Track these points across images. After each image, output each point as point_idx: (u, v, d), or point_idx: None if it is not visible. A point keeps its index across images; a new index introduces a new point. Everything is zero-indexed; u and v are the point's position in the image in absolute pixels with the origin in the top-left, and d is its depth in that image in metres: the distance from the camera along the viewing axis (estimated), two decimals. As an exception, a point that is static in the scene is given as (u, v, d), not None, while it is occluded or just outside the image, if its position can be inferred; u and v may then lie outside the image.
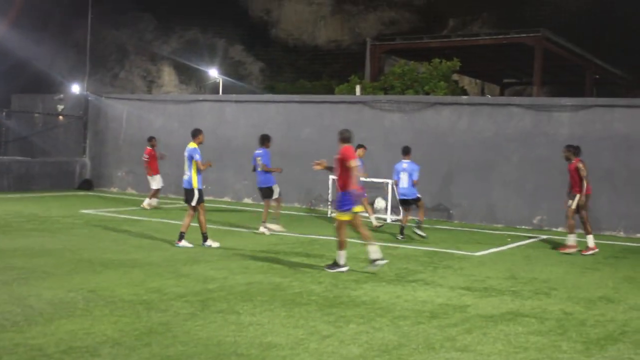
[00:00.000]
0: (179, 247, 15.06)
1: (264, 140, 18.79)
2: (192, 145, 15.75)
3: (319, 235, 17.74)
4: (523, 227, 21.26)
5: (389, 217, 22.04)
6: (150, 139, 23.63)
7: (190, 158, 15.60)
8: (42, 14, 50.68)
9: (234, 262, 13.31)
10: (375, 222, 19.93)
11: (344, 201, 12.89)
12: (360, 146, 19.54)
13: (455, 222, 22.47)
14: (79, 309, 9.30)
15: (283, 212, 21.08)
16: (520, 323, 9.48)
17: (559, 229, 20.65)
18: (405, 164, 18.39)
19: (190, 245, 15.06)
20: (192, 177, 15.47)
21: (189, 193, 15.53)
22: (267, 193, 18.31)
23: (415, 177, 18.08)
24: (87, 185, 29.60)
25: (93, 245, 14.88)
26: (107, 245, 14.94)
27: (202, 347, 7.79)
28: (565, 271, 13.74)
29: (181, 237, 15.28)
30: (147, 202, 22.93)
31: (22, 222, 18.07)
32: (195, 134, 15.98)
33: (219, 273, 12.14)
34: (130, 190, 29.01)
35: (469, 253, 15.79)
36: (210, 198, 26.71)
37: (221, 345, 7.87)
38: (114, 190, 29.35)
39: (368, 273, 12.64)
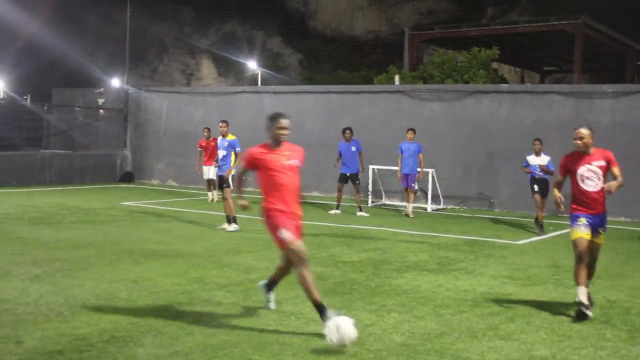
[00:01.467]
0: (230, 231, 16.03)
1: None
2: (233, 137, 16.70)
3: (361, 225, 17.71)
4: (566, 215, 21.05)
5: (429, 207, 22.00)
6: (206, 130, 23.57)
7: (232, 148, 16.64)
8: (80, 8, 51.10)
9: (276, 253, 13.24)
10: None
11: None
12: (409, 129, 20.69)
13: (497, 210, 22.33)
14: (122, 299, 9.38)
15: (323, 202, 21.12)
16: (563, 312, 9.41)
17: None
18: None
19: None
20: (230, 165, 16.49)
21: (221, 179, 16.72)
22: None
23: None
24: (128, 177, 29.83)
25: (135, 236, 14.99)
26: (149, 236, 15.05)
27: (244, 336, 7.82)
28: (609, 259, 13.59)
29: (229, 220, 16.37)
30: (211, 195, 23.17)
31: (65, 214, 18.25)
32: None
33: (260, 263, 12.17)
34: (170, 182, 29.19)
35: (511, 242, 15.69)
36: (250, 189, 26.81)
37: (263, 334, 7.90)
38: (155, 182, 29.55)
39: (409, 263, 12.61)
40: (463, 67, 30.32)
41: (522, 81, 49.87)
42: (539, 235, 16.76)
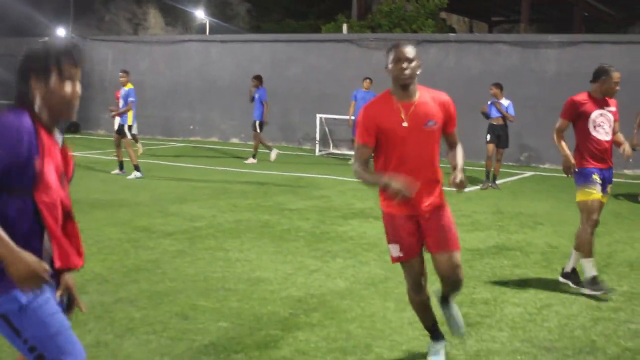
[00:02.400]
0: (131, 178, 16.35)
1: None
2: (130, 86, 17.44)
3: (306, 174, 17.75)
4: (510, 163, 21.33)
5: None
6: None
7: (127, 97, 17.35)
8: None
9: (222, 201, 13.35)
10: None
11: None
12: (366, 78, 20.67)
13: (444, 159, 22.48)
14: (67, 247, 9.32)
15: (263, 150, 21.09)
16: (505, 256, 9.58)
17: (545, 166, 20.77)
18: None
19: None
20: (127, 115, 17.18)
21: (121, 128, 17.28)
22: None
23: None
24: (74, 128, 29.47)
25: (80, 186, 14.82)
26: (94, 186, 14.95)
27: (190, 282, 7.86)
28: (552, 206, 13.82)
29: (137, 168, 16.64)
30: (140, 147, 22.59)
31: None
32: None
33: (207, 212, 12.18)
34: (117, 133, 28.94)
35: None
36: (198, 138, 26.72)
37: (209, 280, 7.94)
38: (101, 132, 29.25)
39: (356, 210, 12.71)
40: (411, 16, 30.27)
41: (471, 31, 50.02)
42: (486, 186, 16.25)
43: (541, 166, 20.99)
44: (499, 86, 16.47)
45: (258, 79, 20.64)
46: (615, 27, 44.78)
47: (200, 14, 52.14)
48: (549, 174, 18.94)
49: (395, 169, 5.34)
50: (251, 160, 20.18)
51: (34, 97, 3.50)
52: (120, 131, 17.08)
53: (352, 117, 20.38)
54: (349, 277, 8.25)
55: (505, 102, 16.30)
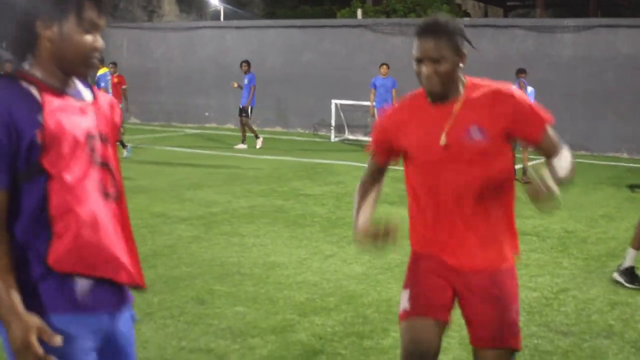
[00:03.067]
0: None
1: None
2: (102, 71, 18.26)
3: (321, 160, 17.74)
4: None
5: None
6: (112, 66, 20.23)
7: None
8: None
9: (237, 187, 13.36)
10: None
11: None
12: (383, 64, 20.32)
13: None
14: (84, 233, 9.36)
15: (285, 137, 21.17)
16: (522, 241, 9.39)
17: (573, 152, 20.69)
18: None
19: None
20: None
21: None
22: None
23: None
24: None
25: (96, 172, 14.93)
26: (111, 172, 14.97)
27: (206, 267, 7.88)
28: (569, 191, 13.71)
29: None
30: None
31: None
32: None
33: (222, 197, 12.20)
34: (133, 119, 28.94)
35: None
36: (213, 125, 26.73)
37: (225, 265, 7.96)
38: (116, 118, 29.28)
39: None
40: (426, 1, 30.17)
41: (486, 16, 49.81)
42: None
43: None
44: (524, 72, 15.88)
45: (247, 64, 20.73)
46: (632, 11, 44.41)
47: (214, 1, 52.11)
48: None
49: (425, 209, 3.86)
50: (241, 146, 20.19)
51: (38, 48, 2.70)
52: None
53: (374, 104, 20.24)
54: (365, 262, 8.24)
55: (529, 89, 15.93)
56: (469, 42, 3.72)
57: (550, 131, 3.62)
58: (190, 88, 27.47)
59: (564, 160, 3.63)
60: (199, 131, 25.22)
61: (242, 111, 20.42)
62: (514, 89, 3.63)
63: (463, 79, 3.70)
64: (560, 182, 3.55)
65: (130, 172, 14.98)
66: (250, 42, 26.48)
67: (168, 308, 6.54)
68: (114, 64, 19.51)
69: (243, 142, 20.26)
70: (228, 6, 51.45)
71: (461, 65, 3.66)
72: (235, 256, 8.37)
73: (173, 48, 28.08)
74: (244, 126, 20.46)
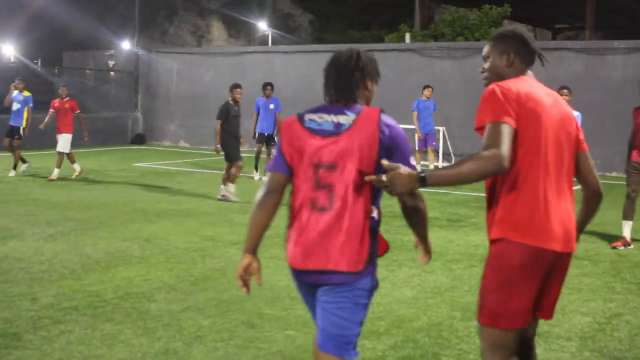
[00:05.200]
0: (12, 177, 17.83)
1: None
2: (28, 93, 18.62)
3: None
4: (576, 172, 21.03)
5: (441, 165, 21.99)
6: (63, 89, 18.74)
7: (26, 104, 18.41)
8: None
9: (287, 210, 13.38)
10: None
11: None
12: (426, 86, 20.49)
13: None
14: (135, 257, 9.47)
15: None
16: (573, 265, 9.33)
17: (612, 174, 20.46)
18: None
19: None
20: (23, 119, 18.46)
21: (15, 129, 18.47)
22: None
23: None
24: (139, 139, 29.90)
25: (147, 196, 15.09)
26: (161, 196, 15.14)
27: (256, 290, 7.83)
28: (619, 215, 13.58)
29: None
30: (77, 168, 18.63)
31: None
32: None
33: (273, 221, 12.20)
34: (182, 143, 29.24)
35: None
36: (262, 148, 26.80)
37: (275, 289, 7.98)
38: (167, 143, 29.59)
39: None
40: (474, 25, 30.11)
41: (534, 39, 49.57)
42: None
43: (608, 174, 20.67)
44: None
45: (272, 87, 19.04)
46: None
47: (262, 26, 52.49)
48: (616, 182, 18.62)
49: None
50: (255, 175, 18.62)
51: (359, 96, 4.10)
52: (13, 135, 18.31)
53: (419, 128, 19.98)
54: (415, 285, 8.23)
55: (575, 113, 15.43)
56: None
57: (486, 132, 3.92)
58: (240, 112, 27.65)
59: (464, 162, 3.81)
60: (248, 155, 25.33)
61: (272, 139, 18.38)
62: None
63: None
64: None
65: (180, 195, 15.15)
66: (298, 67, 26.63)
67: (218, 331, 6.58)
68: (65, 86, 18.63)
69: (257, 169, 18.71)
70: (276, 31, 51.82)
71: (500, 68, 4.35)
72: (285, 280, 8.37)
73: (222, 73, 28.32)
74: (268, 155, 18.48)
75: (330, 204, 3.92)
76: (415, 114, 20.11)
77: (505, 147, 3.76)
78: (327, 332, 3.96)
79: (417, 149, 20.37)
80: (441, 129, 21.59)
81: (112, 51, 33.02)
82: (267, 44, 48.54)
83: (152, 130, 30.21)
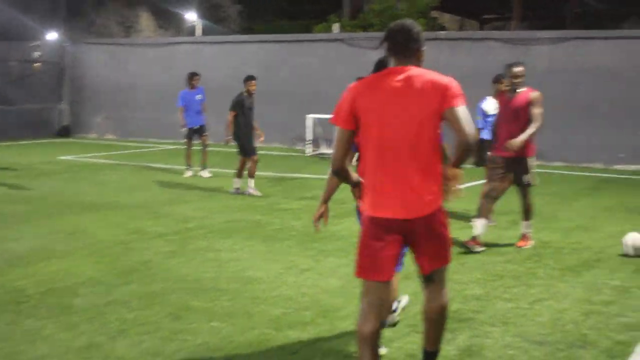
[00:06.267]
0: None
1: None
2: None
3: (298, 174, 17.75)
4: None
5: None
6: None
7: None
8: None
9: (214, 202, 13.36)
10: None
11: None
12: (359, 78, 19.72)
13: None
14: (59, 251, 9.34)
15: (262, 151, 21.10)
16: (497, 252, 9.59)
17: (537, 162, 20.75)
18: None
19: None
20: None
21: None
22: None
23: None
24: (65, 132, 29.40)
25: (73, 189, 14.88)
26: (87, 189, 14.94)
27: (182, 283, 7.86)
28: (544, 202, 13.81)
29: None
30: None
31: (0, 169, 17.99)
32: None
33: (198, 213, 12.18)
34: (109, 136, 28.86)
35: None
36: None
37: (201, 281, 7.95)
38: (93, 136, 29.17)
39: (349, 209, 12.72)
40: (402, 15, 30.22)
41: (462, 29, 50.04)
42: None
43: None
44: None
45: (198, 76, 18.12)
46: (608, 22, 44.76)
47: (191, 17, 52.04)
48: (541, 170, 18.86)
49: None
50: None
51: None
52: None
53: None
54: (342, 275, 8.25)
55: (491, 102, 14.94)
56: None
57: None
58: (167, 104, 27.41)
59: None
60: (175, 147, 25.17)
61: (204, 130, 17.91)
62: None
63: None
64: None
65: (106, 188, 14.98)
66: (227, 57, 26.47)
67: (143, 324, 6.52)
68: None
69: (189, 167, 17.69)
70: (205, 22, 51.44)
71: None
72: (211, 271, 8.35)
73: (150, 64, 28.03)
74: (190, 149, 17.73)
75: None
76: None
77: (337, 149, 4.88)
78: None
79: None
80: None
81: (38, 42, 32.40)
82: (196, 35, 48.19)
83: (79, 123, 29.73)
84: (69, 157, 21.09)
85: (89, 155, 21.90)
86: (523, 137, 9.50)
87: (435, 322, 5.12)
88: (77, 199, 13.53)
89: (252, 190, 14.37)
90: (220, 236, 10.28)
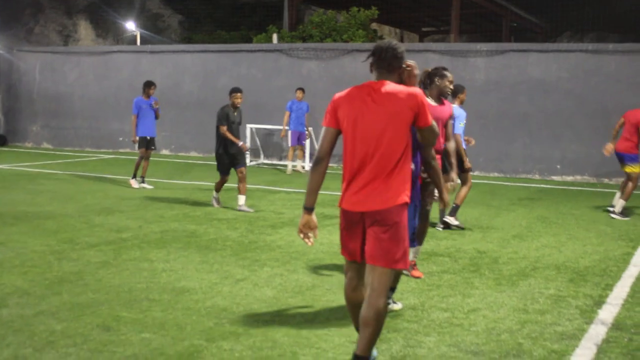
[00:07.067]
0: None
1: None
2: None
3: (236, 184, 17.54)
4: (441, 172, 21.39)
5: (307, 165, 22.03)
6: None
7: None
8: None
9: (149, 212, 13.16)
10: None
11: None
12: (299, 88, 19.72)
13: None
14: (-13, 261, 9.10)
15: (201, 162, 21.01)
16: (434, 262, 9.58)
17: (475, 173, 20.90)
18: None
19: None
20: None
21: None
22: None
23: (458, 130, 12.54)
24: (0, 140, 28.91)
25: (6, 198, 14.56)
26: (21, 198, 14.62)
27: (113, 293, 7.68)
28: (481, 213, 13.88)
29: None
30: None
31: None
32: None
33: (133, 222, 11.98)
34: (45, 145, 28.43)
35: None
36: (127, 150, 26.37)
37: (133, 291, 7.78)
38: (29, 145, 28.71)
39: (285, 219, 12.65)
40: (342, 27, 30.31)
41: (402, 41, 50.35)
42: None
43: (470, 173, 21.11)
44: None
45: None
46: (544, 37, 45.46)
47: (131, 26, 51.65)
48: (478, 181, 19.03)
49: None
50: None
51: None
52: None
53: (287, 128, 20.66)
54: (276, 285, 8.16)
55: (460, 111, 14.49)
56: None
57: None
58: (105, 113, 27.11)
59: None
60: (113, 156, 24.88)
61: (153, 143, 17.31)
62: None
63: None
64: None
65: (40, 198, 14.68)
66: (166, 67, 26.27)
67: (71, 336, 6.34)
68: None
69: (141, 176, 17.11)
70: (145, 32, 51.12)
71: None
72: (144, 282, 8.19)
73: (87, 72, 27.69)
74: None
75: None
76: (287, 113, 20.88)
77: (323, 142, 5.53)
78: None
79: (290, 145, 20.80)
80: (309, 129, 21.64)
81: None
82: (136, 44, 47.80)
83: (14, 131, 29.24)
84: (3, 167, 20.68)
85: (24, 164, 21.51)
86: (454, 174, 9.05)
87: (368, 326, 5.26)
88: (9, 208, 13.23)
89: (214, 202, 14.21)
90: (154, 246, 10.11)
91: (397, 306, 7.36)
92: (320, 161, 5.48)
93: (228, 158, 13.78)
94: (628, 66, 20.23)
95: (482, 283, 8.54)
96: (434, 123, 5.49)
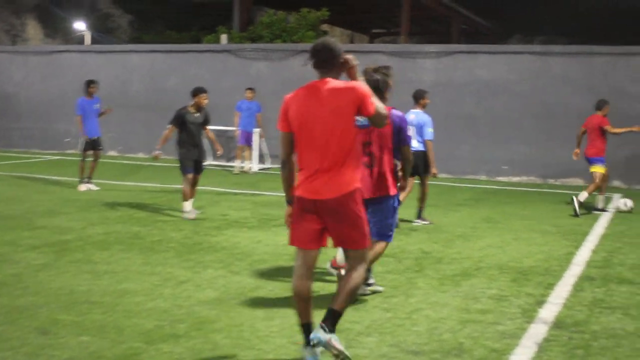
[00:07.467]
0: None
1: None
2: None
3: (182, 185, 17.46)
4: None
5: (255, 166, 21.97)
6: None
7: None
8: None
9: (94, 214, 13.02)
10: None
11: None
12: (248, 88, 19.70)
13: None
14: None
15: (148, 163, 20.85)
16: (379, 263, 9.52)
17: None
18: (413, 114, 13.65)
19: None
20: None
21: None
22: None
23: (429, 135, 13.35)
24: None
25: (-54, 200, 14.33)
26: (-38, 200, 14.41)
27: (53, 296, 7.58)
28: (428, 213, 13.91)
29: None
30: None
31: None
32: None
33: (77, 224, 11.84)
34: (-7, 146, 28.05)
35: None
36: (74, 151, 26.06)
37: (74, 293, 7.68)
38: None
39: (230, 220, 12.61)
40: (292, 28, 30.29)
41: (352, 43, 50.48)
42: None
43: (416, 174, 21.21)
44: None
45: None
46: (494, 40, 45.86)
47: (80, 26, 51.15)
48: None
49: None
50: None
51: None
52: None
53: (238, 128, 20.67)
54: (219, 287, 8.11)
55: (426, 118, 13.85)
56: None
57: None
58: (51, 113, 26.79)
59: None
60: (59, 158, 24.58)
61: (99, 143, 17.07)
62: None
63: None
64: None
65: (-18, 199, 14.45)
66: (114, 67, 26.04)
67: (8, 340, 6.23)
68: None
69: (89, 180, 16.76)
70: (95, 32, 50.65)
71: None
72: (85, 284, 8.09)
73: (34, 72, 27.35)
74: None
75: None
76: (237, 114, 21.19)
77: (283, 148, 5.89)
78: None
79: (238, 144, 20.79)
80: (257, 130, 21.57)
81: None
82: (85, 44, 47.33)
83: (-42, 132, 28.79)
84: (-55, 168, 20.36)
85: (-33, 165, 21.18)
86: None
87: (344, 288, 5.82)
88: (-51, 210, 13.03)
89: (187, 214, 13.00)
90: (97, 248, 10.00)
91: (378, 288, 8.09)
92: (285, 163, 5.91)
93: (192, 155, 13.26)
94: (574, 68, 20.48)
95: (425, 283, 8.57)
96: (378, 108, 5.74)
